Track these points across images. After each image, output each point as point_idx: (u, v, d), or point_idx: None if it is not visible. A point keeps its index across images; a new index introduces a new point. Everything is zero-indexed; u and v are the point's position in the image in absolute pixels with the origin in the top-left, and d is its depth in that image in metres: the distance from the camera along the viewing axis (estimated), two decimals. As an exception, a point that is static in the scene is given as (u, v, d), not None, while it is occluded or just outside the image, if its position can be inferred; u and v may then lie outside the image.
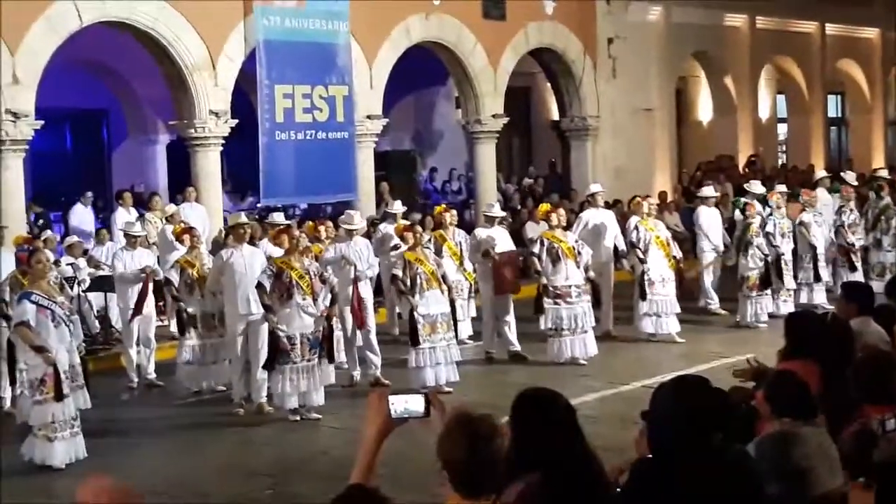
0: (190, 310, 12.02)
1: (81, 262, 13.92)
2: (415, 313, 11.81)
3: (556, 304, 12.98)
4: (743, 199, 16.37)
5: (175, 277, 12.16)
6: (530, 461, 3.79)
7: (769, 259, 15.26)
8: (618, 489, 4.16)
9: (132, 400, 12.24)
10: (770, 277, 15.24)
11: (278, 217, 13.21)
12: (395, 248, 13.19)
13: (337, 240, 12.76)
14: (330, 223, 13.37)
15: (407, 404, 3.62)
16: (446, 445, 3.42)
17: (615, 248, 14.79)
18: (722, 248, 16.30)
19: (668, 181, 23.39)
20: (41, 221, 17.56)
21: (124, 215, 16.30)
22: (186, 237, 12.66)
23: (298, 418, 10.98)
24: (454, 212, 14.64)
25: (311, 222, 13.61)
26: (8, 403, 11.44)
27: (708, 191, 16.92)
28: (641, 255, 14.17)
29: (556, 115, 24.09)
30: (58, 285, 10.60)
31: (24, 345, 9.75)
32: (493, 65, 20.64)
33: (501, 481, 3.56)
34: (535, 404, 3.95)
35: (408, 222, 13.50)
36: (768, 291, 15.30)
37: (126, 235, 12.94)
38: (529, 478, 3.74)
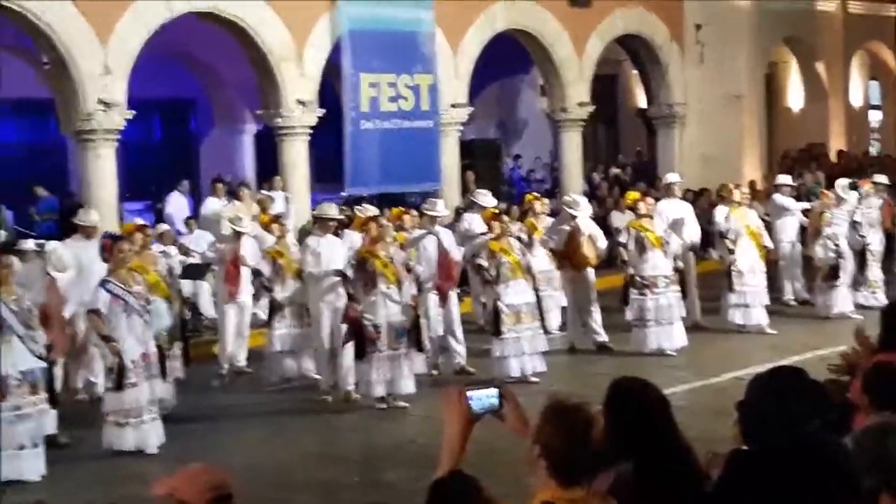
0: (279, 298, 12.12)
1: (172, 249, 14.09)
2: (498, 303, 11.78)
3: (642, 294, 12.85)
4: (818, 187, 16.01)
5: (266, 267, 12.28)
6: (623, 451, 3.75)
7: (852, 250, 14.89)
8: (712, 481, 4.10)
9: (222, 387, 12.37)
10: (838, 269, 14.81)
11: (369, 207, 13.26)
12: (483, 234, 13.14)
13: (420, 227, 12.77)
14: (415, 212, 13.39)
15: (483, 399, 3.59)
16: (545, 433, 3.39)
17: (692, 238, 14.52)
18: (795, 238, 15.87)
19: (757, 169, 23.02)
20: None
21: (215, 204, 16.52)
22: (276, 226, 12.76)
23: (385, 406, 11.02)
24: (546, 200, 14.55)
25: (395, 209, 13.61)
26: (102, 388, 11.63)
27: (783, 179, 16.55)
28: (731, 246, 13.94)
29: (642, 103, 23.85)
30: (167, 273, 10.92)
31: (94, 332, 9.97)
32: (578, 52, 20.49)
33: (596, 470, 3.52)
34: (628, 393, 3.91)
35: (496, 209, 13.42)
36: (842, 282, 14.88)
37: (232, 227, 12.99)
38: (622, 467, 3.70)
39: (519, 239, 12.48)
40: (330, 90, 18.11)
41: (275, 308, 12.14)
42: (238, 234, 12.42)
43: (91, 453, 9.63)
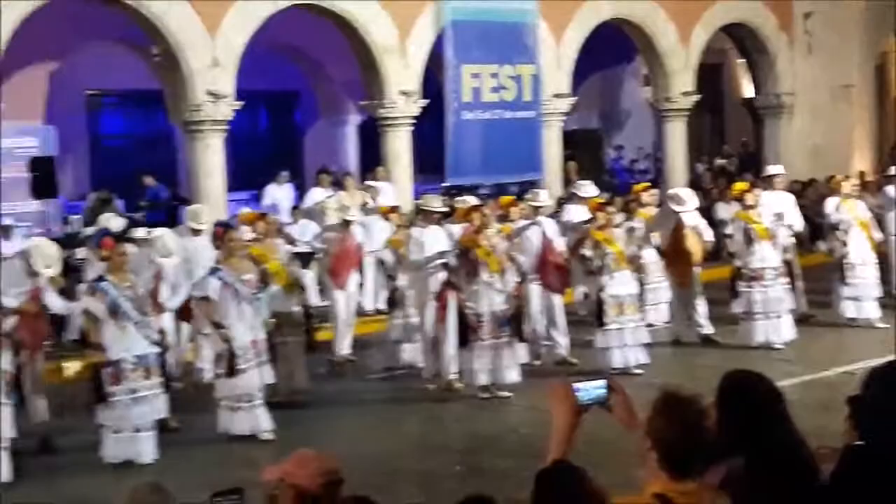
0: (399, 285, 12.19)
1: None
2: (601, 294, 11.71)
3: (749, 286, 12.65)
4: None
5: (389, 256, 12.37)
6: (735, 444, 3.70)
7: None
8: (823, 476, 4.01)
9: (328, 374, 12.48)
10: None
11: (470, 198, 13.27)
12: (588, 222, 13.04)
13: (524, 217, 12.75)
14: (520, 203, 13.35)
15: (590, 390, 3.58)
16: (658, 425, 3.36)
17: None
18: None
19: (866, 161, 22.46)
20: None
21: (319, 194, 16.69)
22: (395, 216, 12.82)
23: (488, 396, 11.03)
24: (654, 191, 14.41)
25: (505, 198, 13.55)
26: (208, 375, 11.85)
27: (895, 170, 16.11)
28: (843, 237, 13.64)
29: (749, 93, 23.47)
30: (288, 260, 11.13)
31: (204, 319, 10.16)
32: (683, 41, 20.23)
33: (707, 463, 3.48)
34: (741, 386, 3.85)
35: (601, 199, 13.33)
36: None
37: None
38: (734, 461, 3.65)
39: (632, 230, 12.39)
40: (433, 81, 18.18)
41: (396, 297, 12.20)
42: (347, 224, 12.47)
43: (200, 437, 9.83)
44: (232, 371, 9.73)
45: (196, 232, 12.15)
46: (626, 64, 24.38)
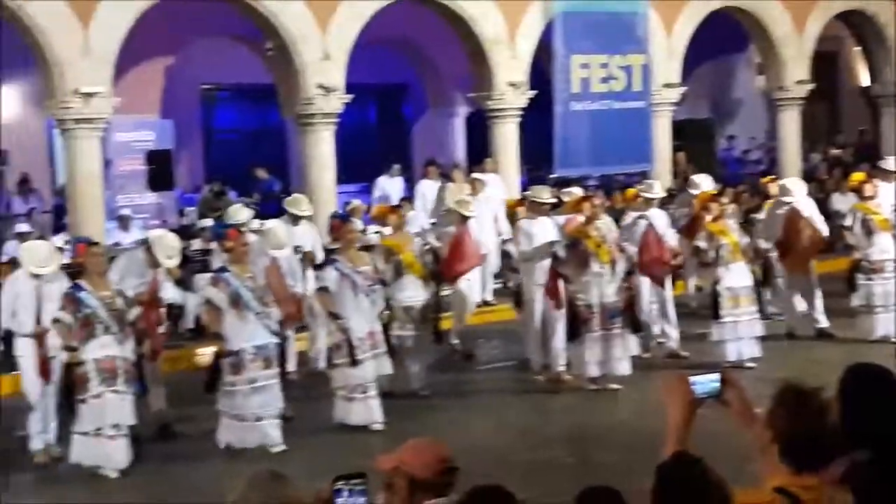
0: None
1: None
2: (717, 286, 11.54)
3: (869, 279, 12.34)
4: None
5: (513, 249, 12.34)
6: (858, 438, 3.61)
7: None
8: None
9: (438, 364, 12.47)
10: None
11: (577, 190, 13.18)
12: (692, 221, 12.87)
13: (635, 208, 12.61)
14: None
15: (706, 384, 3.55)
16: (780, 417, 3.31)
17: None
18: None
19: None
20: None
21: (428, 186, 16.78)
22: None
23: (597, 388, 10.97)
24: (782, 183, 14.12)
25: (631, 190, 13.35)
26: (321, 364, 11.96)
27: None
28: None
29: (865, 81, 22.87)
30: (421, 252, 11.21)
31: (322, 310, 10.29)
32: (798, 29, 19.82)
33: (829, 457, 3.41)
34: (865, 379, 3.75)
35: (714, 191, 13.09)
36: None
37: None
38: (856, 455, 3.57)
39: (749, 222, 12.19)
40: (541, 72, 18.12)
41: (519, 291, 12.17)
42: (464, 218, 12.44)
43: (313, 427, 9.90)
44: (351, 362, 9.82)
45: (297, 220, 12.28)
46: (738, 52, 23.96)
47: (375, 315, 10.19)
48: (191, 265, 13.69)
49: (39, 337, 9.38)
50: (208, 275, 12.05)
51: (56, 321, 9.03)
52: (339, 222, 10.85)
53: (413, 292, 10.99)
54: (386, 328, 10.38)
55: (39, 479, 9.23)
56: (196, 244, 14.16)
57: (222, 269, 9.61)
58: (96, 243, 9.89)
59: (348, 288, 9.96)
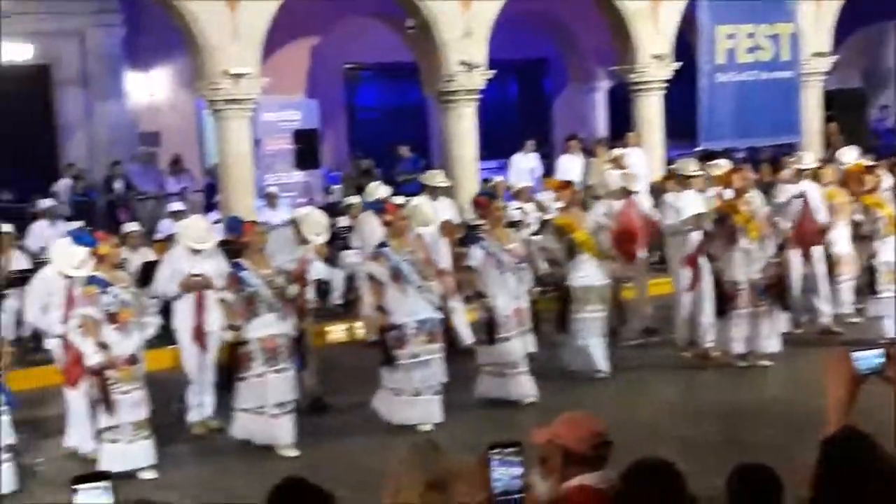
0: None
1: (529, 206, 14.39)
2: (873, 261, 11.20)
3: None
4: None
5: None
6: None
7: None
8: None
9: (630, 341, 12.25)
10: None
11: (723, 163, 12.93)
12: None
13: (783, 181, 12.33)
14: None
15: (869, 359, 3.46)
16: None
17: None
18: None
19: None
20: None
21: (569, 161, 16.69)
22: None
23: (746, 364, 10.78)
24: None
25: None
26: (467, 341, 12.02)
27: None
28: None
29: None
30: (596, 230, 10.89)
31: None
32: (958, -8, 19.04)
33: None
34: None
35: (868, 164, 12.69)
36: None
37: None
38: None
39: None
40: (685, 43, 17.81)
41: None
42: (629, 194, 12.20)
43: (458, 401, 9.85)
44: (490, 339, 9.82)
45: (436, 195, 12.31)
46: (892, 20, 23.12)
47: (523, 292, 10.13)
48: (337, 242, 13.95)
49: (198, 300, 9.63)
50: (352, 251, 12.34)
51: (220, 301, 9.25)
52: (486, 200, 10.83)
53: (589, 272, 10.64)
54: (535, 306, 10.26)
55: (197, 450, 9.48)
56: (342, 221, 14.39)
57: (382, 244, 9.65)
58: (255, 222, 10.01)
59: (494, 266, 9.93)
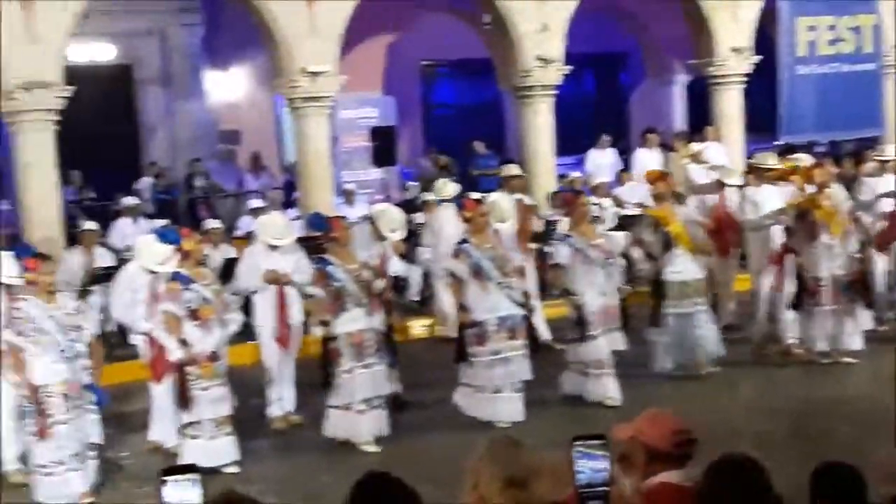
0: None
1: (606, 202, 14.34)
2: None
3: None
4: None
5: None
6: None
7: None
8: None
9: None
10: None
11: (804, 157, 12.74)
12: None
13: (866, 174, 12.13)
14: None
15: None
16: None
17: None
18: None
19: None
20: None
21: (646, 156, 16.57)
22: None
23: (829, 361, 10.62)
24: None
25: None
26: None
27: None
28: None
29: None
30: (691, 223, 10.71)
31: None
32: None
33: None
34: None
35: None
36: None
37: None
38: None
39: None
40: (765, 36, 17.59)
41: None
42: (722, 187, 11.98)
43: (538, 398, 9.79)
44: (582, 337, 9.73)
45: (513, 190, 12.21)
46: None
47: (612, 289, 9.96)
48: (413, 239, 14.01)
49: (279, 296, 9.73)
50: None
51: (308, 296, 9.33)
52: (571, 195, 10.74)
53: (684, 266, 10.43)
54: (624, 303, 10.08)
55: (278, 445, 9.58)
56: (419, 218, 14.44)
57: (463, 241, 9.59)
58: (342, 218, 10.00)
59: (581, 262, 9.82)
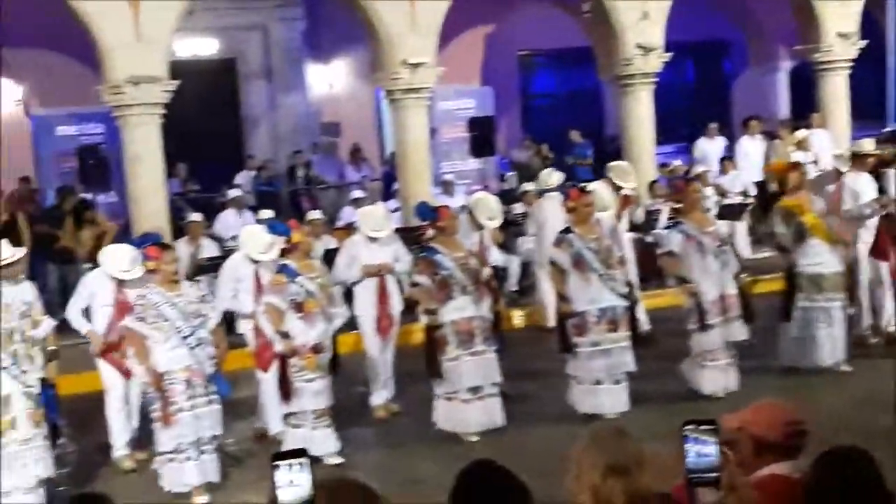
0: None
1: (708, 191, 14.16)
2: None
3: None
4: None
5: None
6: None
7: None
8: None
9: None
10: None
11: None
12: None
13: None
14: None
15: None
16: None
17: None
18: None
19: None
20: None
21: (750, 144, 16.32)
22: None
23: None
24: None
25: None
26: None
27: None
28: None
29: None
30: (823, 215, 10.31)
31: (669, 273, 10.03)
32: None
33: None
34: None
35: None
36: None
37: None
38: None
39: None
40: (872, 21, 17.18)
41: None
42: (840, 175, 11.38)
43: (649, 390, 9.66)
44: (701, 327, 9.50)
45: (618, 188, 11.93)
46: None
47: (728, 278, 9.67)
48: (512, 229, 14.00)
49: (380, 286, 9.82)
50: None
51: (414, 285, 9.37)
52: (683, 183, 10.55)
53: (820, 258, 10.03)
54: (742, 292, 9.77)
55: (380, 433, 9.66)
56: (517, 208, 14.43)
57: (566, 230, 9.44)
58: (448, 207, 9.90)
59: (695, 250, 9.58)
